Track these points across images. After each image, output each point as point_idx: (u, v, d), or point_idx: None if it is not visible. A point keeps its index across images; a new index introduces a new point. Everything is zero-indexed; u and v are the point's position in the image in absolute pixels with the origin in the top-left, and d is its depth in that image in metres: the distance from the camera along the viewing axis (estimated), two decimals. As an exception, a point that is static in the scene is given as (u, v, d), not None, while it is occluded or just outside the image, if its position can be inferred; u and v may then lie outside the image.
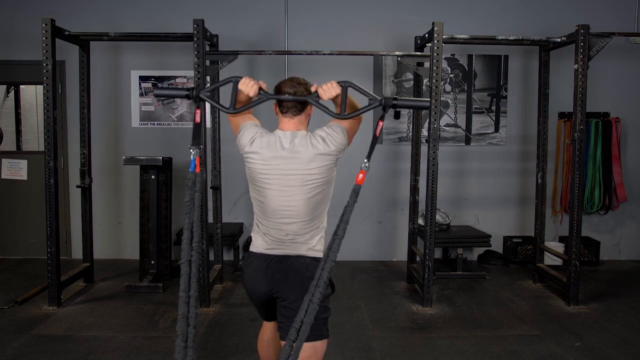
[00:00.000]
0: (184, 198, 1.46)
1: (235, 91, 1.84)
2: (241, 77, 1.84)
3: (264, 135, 1.90)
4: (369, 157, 1.57)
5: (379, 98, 1.71)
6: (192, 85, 4.85)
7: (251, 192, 1.98)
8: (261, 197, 1.92)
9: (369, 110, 1.74)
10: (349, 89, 1.79)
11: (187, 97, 1.75)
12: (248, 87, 1.83)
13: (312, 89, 1.86)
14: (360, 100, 1.87)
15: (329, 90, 1.81)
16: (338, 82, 1.80)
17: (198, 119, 1.69)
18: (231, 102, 1.83)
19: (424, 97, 4.35)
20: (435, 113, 3.62)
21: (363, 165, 1.57)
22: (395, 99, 1.69)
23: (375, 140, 1.62)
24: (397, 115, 1.99)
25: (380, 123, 1.63)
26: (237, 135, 1.98)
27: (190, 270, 1.33)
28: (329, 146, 1.85)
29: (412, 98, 1.73)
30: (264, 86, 1.86)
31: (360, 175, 1.53)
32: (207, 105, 3.77)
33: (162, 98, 3.97)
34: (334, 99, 1.85)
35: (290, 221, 1.89)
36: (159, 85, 4.94)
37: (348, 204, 1.47)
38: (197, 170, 1.54)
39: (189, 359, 1.12)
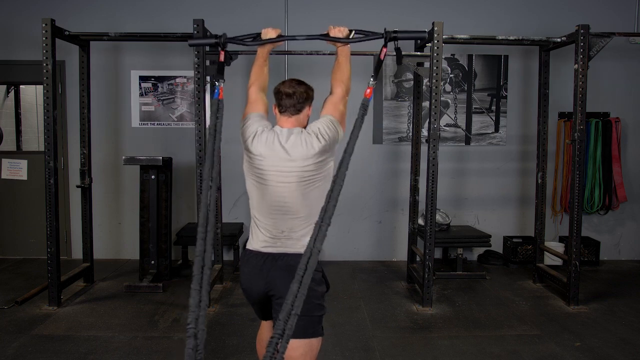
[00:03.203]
0: (209, 124, 1.65)
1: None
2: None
3: (265, 131, 1.93)
4: (374, 75, 1.76)
5: (380, 32, 1.93)
6: (192, 85, 4.86)
7: (247, 185, 2.00)
8: (257, 191, 1.94)
9: (371, 39, 1.96)
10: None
11: (217, 44, 1.97)
12: (269, 31, 2.09)
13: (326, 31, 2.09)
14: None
15: (337, 28, 2.06)
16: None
17: (222, 59, 1.94)
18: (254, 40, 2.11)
19: (424, 98, 4.35)
20: (435, 113, 3.62)
21: (370, 82, 1.74)
22: (395, 31, 1.89)
23: (380, 62, 1.82)
24: (399, 60, 2.03)
25: (384, 49, 1.83)
26: (243, 121, 2.01)
27: (204, 264, 1.27)
28: (320, 141, 1.88)
29: (410, 30, 1.93)
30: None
31: (368, 90, 1.71)
32: (206, 107, 3.78)
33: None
34: (337, 46, 2.08)
35: (286, 217, 1.90)
36: (158, 85, 4.95)
37: (357, 117, 1.59)
38: (220, 97, 1.70)
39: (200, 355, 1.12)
